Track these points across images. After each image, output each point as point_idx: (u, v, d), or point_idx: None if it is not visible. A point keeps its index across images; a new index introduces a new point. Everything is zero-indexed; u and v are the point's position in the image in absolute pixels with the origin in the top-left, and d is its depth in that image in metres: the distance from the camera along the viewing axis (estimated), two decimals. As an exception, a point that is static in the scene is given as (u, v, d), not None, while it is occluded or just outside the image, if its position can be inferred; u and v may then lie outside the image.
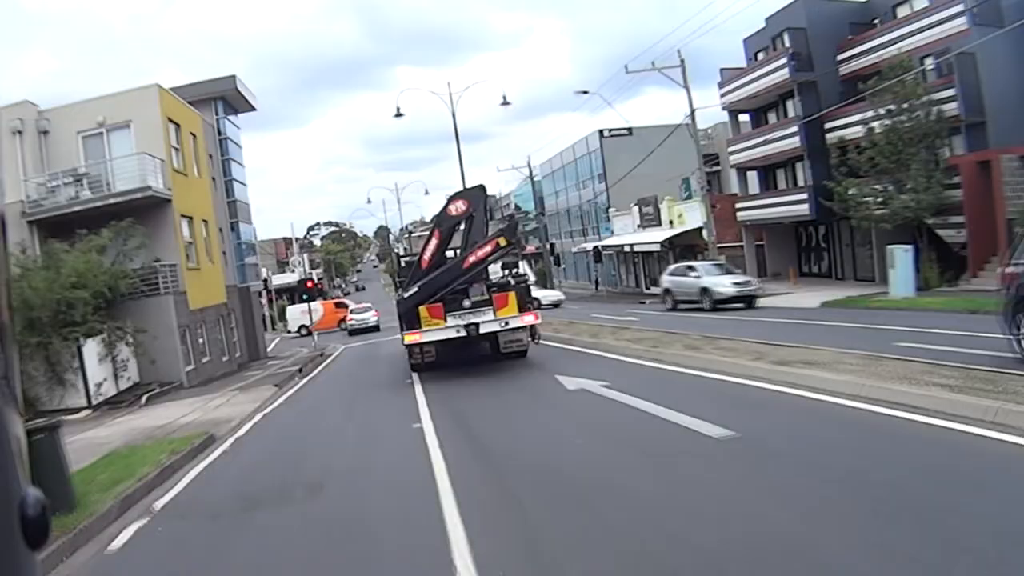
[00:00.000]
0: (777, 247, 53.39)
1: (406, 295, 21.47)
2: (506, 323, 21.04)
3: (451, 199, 22.22)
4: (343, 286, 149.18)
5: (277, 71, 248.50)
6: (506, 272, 23.32)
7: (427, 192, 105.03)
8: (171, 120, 33.98)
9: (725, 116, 58.93)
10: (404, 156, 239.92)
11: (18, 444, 1.41)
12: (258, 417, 19.94)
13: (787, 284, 48.59)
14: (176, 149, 34.42)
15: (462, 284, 21.25)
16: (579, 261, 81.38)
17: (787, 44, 47.69)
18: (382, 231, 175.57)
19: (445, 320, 20.80)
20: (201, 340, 34.06)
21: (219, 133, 44.12)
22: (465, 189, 23.55)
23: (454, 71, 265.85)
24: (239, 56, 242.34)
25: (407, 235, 48.24)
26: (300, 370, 32.04)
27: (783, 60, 47.14)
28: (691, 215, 56.16)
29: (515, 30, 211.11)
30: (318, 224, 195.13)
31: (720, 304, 36.75)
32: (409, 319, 21.20)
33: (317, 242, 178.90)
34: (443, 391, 19.10)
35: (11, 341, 1.46)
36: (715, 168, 69.99)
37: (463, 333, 20.83)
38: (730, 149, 53.67)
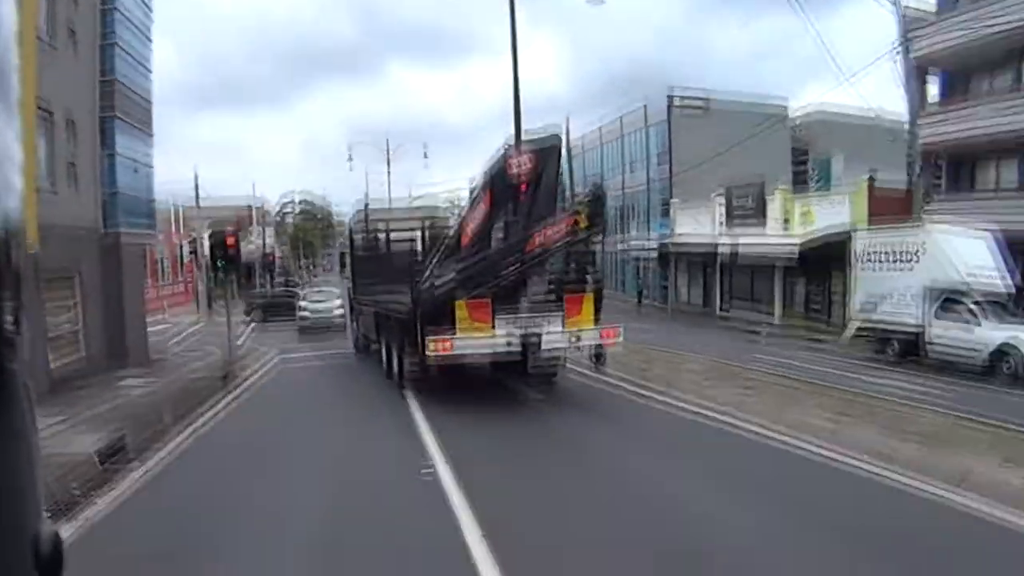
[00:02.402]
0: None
1: (438, 282, 15.31)
2: (577, 338, 15.30)
3: (512, 151, 16.25)
4: (311, 267, 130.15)
5: (267, 50, 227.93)
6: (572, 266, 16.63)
7: (426, 155, 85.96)
8: None
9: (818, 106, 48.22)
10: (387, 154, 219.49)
11: (38, 470, 1.33)
12: None
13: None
14: None
15: (517, 274, 15.32)
16: (611, 265, 60.91)
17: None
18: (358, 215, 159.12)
19: (494, 326, 14.60)
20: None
21: (98, -44, 23.54)
22: (534, 139, 16.86)
23: (447, 74, 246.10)
24: (229, 30, 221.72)
25: (364, 208, 29.95)
26: (105, 459, 11.38)
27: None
28: (827, 213, 37.03)
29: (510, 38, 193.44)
30: (292, 201, 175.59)
31: None
32: (435, 318, 14.97)
33: (289, 219, 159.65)
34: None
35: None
36: (801, 168, 53.46)
37: (517, 348, 14.87)
38: (923, 121, 33.36)
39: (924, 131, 34.08)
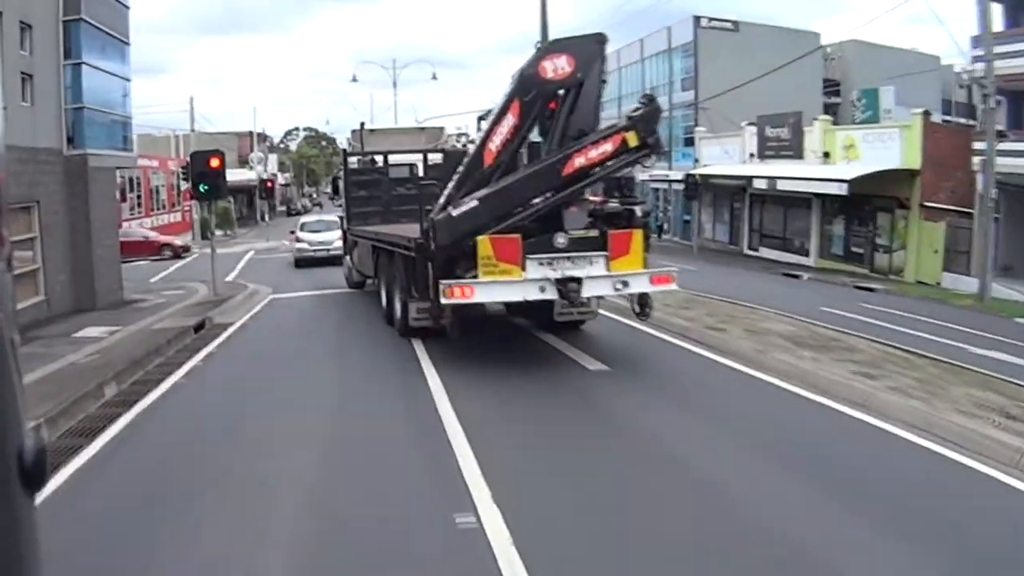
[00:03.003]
0: (1018, 224, 29.96)
1: (456, 211, 12.16)
2: (624, 283, 12.36)
3: (545, 52, 12.85)
4: (314, 195, 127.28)
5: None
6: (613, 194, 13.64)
7: (435, 76, 76.74)
8: None
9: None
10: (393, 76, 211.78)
11: (20, 385, 1.41)
12: None
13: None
14: None
15: (552, 204, 12.38)
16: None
17: None
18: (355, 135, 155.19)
19: (523, 267, 11.76)
20: None
21: None
22: (572, 37, 13.30)
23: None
24: None
25: (359, 129, 26.05)
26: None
27: None
28: (875, 149, 33.59)
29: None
30: (296, 129, 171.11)
31: None
32: (451, 256, 12.19)
33: (293, 147, 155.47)
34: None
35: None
36: (835, 100, 51.14)
37: (552, 295, 12.15)
38: (999, 50, 29.41)
39: (981, 64, 30.46)
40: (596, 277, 12.23)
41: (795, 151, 38.25)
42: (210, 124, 68.59)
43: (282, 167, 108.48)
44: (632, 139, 12.41)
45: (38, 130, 18.98)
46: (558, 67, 12.57)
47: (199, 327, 17.13)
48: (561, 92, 12.71)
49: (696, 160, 46.63)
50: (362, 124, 26.68)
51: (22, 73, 18.56)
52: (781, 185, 36.18)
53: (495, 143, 12.68)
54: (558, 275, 12.01)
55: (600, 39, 13.08)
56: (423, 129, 30.76)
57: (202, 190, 22.13)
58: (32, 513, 1.41)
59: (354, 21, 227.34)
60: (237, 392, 11.95)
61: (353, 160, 22.77)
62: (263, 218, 75.42)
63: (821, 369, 11.24)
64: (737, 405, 10.52)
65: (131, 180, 51.51)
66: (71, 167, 20.34)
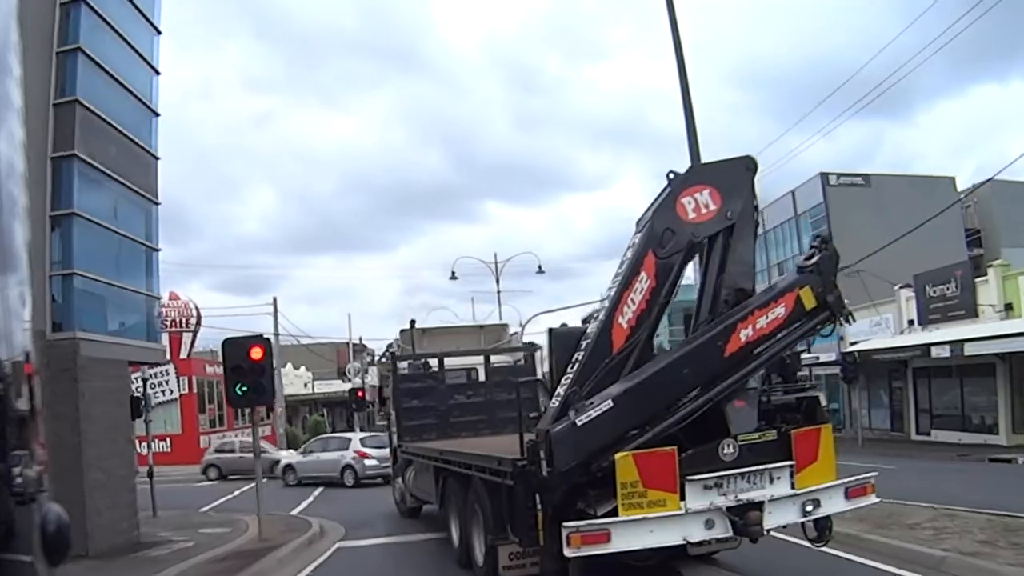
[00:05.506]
0: None
1: (581, 418, 8.48)
2: (815, 503, 9.02)
3: (683, 183, 9.49)
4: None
5: (367, 195, 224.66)
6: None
7: (541, 269, 66.58)
8: None
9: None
10: (490, 288, 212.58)
11: (43, 458, 1.36)
12: None
13: None
14: None
15: (713, 398, 8.92)
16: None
17: None
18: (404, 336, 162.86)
19: (682, 494, 8.51)
20: None
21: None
22: (712, 163, 10.46)
23: (543, 209, 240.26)
24: (329, 176, 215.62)
25: (410, 329, 20.95)
26: None
27: None
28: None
29: (602, 172, 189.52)
30: (397, 339, 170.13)
31: None
32: (574, 484, 8.63)
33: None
34: None
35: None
36: (977, 251, 44.79)
37: (723, 531, 8.72)
38: None
39: None
40: (781, 498, 8.79)
41: (967, 309, 31.52)
42: (308, 336, 65.67)
43: (383, 380, 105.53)
44: (808, 298, 9.29)
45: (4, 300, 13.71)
46: (701, 204, 9.49)
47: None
48: (706, 239, 9.57)
49: (841, 337, 40.02)
50: (412, 322, 22.02)
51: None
52: (969, 350, 29.19)
53: (626, 316, 9.23)
54: (731, 501, 8.59)
55: (749, 165, 9.89)
56: (482, 327, 25.91)
57: (239, 393, 15.73)
58: None
59: (451, 237, 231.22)
60: None
61: (403, 365, 19.25)
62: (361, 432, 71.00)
63: None
64: None
65: (213, 389, 48.17)
66: (56, 356, 14.48)
